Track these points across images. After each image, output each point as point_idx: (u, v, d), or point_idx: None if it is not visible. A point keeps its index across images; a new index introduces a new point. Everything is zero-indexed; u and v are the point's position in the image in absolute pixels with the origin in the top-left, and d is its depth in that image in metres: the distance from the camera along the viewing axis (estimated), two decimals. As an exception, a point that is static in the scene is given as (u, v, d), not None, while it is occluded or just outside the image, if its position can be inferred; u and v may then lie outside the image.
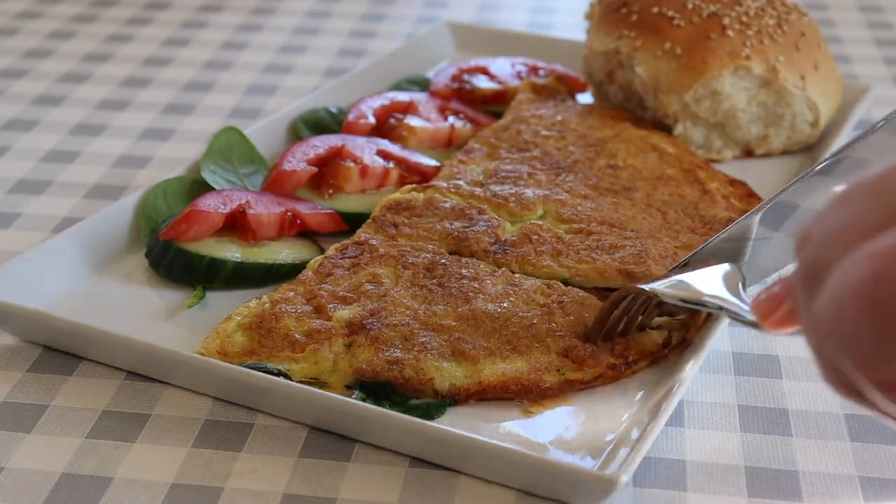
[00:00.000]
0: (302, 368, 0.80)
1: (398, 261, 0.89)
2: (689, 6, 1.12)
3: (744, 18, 1.11)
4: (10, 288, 0.86)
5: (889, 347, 0.39)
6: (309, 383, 0.79)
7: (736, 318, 0.72)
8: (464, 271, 0.88)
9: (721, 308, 0.73)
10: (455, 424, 0.75)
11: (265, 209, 0.96)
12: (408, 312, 0.83)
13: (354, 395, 0.78)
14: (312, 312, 0.84)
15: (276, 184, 1.01)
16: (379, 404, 0.76)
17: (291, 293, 0.86)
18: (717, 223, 0.96)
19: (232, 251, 0.93)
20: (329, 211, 0.99)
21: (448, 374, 0.79)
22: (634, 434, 0.75)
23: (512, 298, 0.85)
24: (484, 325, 0.82)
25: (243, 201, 0.96)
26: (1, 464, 0.74)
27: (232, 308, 0.86)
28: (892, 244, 0.39)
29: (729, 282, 0.75)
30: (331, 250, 0.92)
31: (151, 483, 0.72)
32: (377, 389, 0.79)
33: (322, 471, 0.73)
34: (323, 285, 0.87)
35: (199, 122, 1.25)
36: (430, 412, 0.77)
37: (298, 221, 0.97)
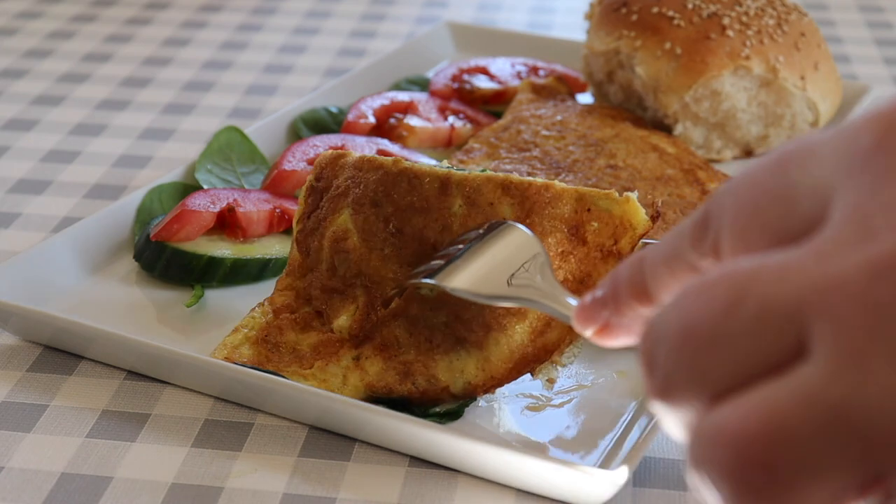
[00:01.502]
0: (311, 385, 0.79)
1: (346, 197, 0.83)
2: (689, 6, 1.12)
3: (744, 18, 1.11)
4: (10, 288, 0.86)
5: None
6: None
7: (558, 315, 0.65)
8: (418, 206, 0.81)
9: (537, 304, 0.66)
10: (455, 424, 0.75)
11: (254, 206, 0.96)
12: (393, 281, 0.80)
13: None
14: (313, 315, 0.83)
15: (276, 183, 1.01)
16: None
17: (289, 299, 0.84)
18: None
19: (224, 249, 0.92)
20: None
21: (459, 370, 0.77)
22: (634, 434, 0.75)
23: None
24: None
25: (231, 199, 0.96)
26: (1, 463, 0.74)
27: (230, 306, 0.86)
28: (744, 417, 0.34)
29: (539, 265, 0.66)
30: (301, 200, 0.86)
31: (151, 483, 0.72)
32: (393, 405, 0.77)
33: (322, 470, 0.73)
34: (309, 275, 0.84)
35: (199, 122, 1.25)
36: (446, 418, 0.76)
37: (287, 217, 0.97)
